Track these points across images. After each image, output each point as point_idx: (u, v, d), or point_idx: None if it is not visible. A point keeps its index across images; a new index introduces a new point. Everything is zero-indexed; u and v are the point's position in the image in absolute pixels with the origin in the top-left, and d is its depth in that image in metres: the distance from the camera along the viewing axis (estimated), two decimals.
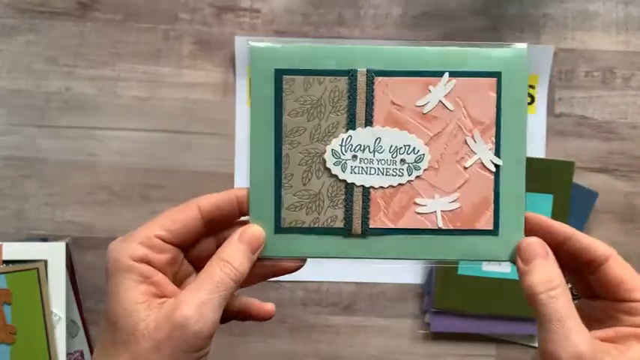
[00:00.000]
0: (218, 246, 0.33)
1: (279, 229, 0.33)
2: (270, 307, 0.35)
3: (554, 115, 0.65)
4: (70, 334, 0.64)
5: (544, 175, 0.63)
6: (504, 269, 0.64)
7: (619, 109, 0.65)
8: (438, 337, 0.66)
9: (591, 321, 0.31)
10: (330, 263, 0.64)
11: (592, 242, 0.31)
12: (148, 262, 0.31)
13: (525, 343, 0.65)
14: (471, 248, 0.33)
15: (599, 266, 0.31)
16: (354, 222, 0.33)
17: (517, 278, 0.34)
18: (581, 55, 0.65)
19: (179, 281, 0.33)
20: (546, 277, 0.30)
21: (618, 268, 0.31)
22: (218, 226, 0.33)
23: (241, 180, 0.66)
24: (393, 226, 0.33)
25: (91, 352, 0.66)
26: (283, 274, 0.34)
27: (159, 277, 0.31)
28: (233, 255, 0.31)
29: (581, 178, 0.65)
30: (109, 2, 0.65)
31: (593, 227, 0.65)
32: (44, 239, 0.65)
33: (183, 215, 0.32)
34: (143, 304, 0.29)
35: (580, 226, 0.63)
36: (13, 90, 0.65)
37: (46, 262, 0.62)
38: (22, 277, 0.61)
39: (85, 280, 0.66)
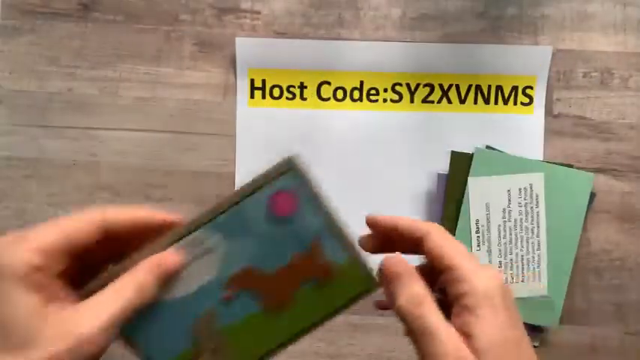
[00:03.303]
0: (118, 258, 0.32)
1: None
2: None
3: (552, 116, 0.66)
4: None
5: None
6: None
7: (617, 110, 0.66)
8: None
9: (449, 309, 0.31)
10: None
11: (412, 223, 0.32)
12: (44, 270, 0.29)
13: None
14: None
15: (423, 245, 0.32)
16: None
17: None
18: (579, 55, 0.65)
19: (73, 287, 0.32)
20: (409, 295, 0.30)
21: (437, 241, 0.31)
22: (120, 241, 0.32)
23: (242, 180, 0.66)
24: None
25: None
26: None
27: (54, 286, 0.30)
28: (146, 281, 0.31)
29: None
30: (111, 3, 0.65)
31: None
32: None
33: (83, 223, 0.31)
34: (38, 314, 0.28)
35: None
36: (15, 90, 0.66)
37: None
38: None
39: None
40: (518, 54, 0.65)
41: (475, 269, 0.30)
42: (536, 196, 0.63)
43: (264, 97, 0.66)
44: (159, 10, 0.65)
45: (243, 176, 0.66)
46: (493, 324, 0.29)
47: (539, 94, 0.65)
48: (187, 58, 0.66)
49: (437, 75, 0.65)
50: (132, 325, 0.33)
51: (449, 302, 0.31)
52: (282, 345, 0.37)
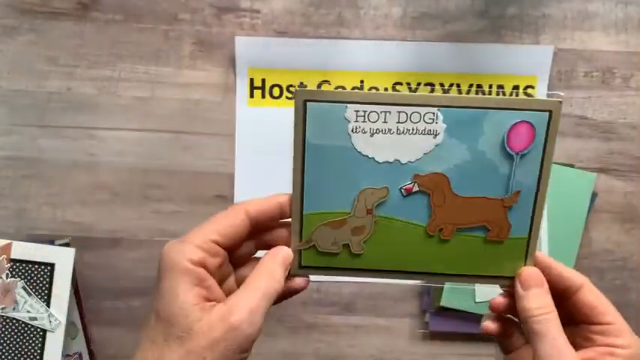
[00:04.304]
0: (256, 247, 0.38)
1: None
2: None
3: None
4: (69, 336, 0.64)
5: None
6: None
7: (618, 109, 0.65)
8: (437, 336, 0.66)
9: (573, 346, 0.35)
10: None
11: (566, 272, 0.36)
12: (204, 266, 0.33)
13: None
14: None
15: (574, 293, 0.36)
16: None
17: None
18: (580, 55, 0.65)
19: (220, 281, 0.36)
20: (541, 303, 0.35)
21: (590, 294, 0.36)
22: (260, 229, 0.37)
23: (241, 180, 0.66)
24: None
25: (90, 354, 0.66)
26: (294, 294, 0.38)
27: (211, 281, 0.34)
28: (275, 270, 0.35)
29: None
30: (110, 3, 0.65)
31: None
32: (51, 242, 0.65)
33: (233, 220, 0.35)
34: (197, 306, 0.32)
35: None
36: (14, 90, 0.65)
37: (53, 265, 0.62)
38: None
39: (85, 280, 0.66)
40: (519, 53, 0.65)
41: (629, 329, 0.35)
42: None
43: (263, 96, 0.65)
44: (158, 9, 0.65)
45: (242, 176, 0.66)
46: None
47: (540, 94, 0.65)
48: (187, 58, 0.65)
49: (438, 74, 0.65)
50: (315, 161, 0.33)
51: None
52: (412, 274, 0.36)
